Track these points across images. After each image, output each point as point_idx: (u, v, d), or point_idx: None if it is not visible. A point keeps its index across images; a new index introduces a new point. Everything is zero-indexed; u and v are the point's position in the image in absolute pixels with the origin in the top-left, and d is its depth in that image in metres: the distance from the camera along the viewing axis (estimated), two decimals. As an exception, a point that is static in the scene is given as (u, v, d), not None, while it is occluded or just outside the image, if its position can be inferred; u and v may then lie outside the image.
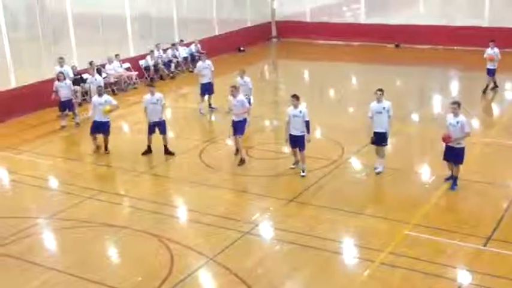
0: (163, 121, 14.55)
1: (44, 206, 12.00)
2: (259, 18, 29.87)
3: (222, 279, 9.18)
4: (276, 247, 10.14)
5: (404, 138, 15.36)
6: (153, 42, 23.20)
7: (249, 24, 29.25)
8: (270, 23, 30.68)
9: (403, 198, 11.68)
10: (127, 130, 17.26)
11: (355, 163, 13.68)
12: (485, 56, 18.99)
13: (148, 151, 14.52)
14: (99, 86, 15.36)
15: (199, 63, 18.09)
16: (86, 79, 18.74)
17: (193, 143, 15.34)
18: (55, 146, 15.76)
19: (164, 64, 22.75)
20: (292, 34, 29.87)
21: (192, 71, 23.73)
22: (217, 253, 9.75)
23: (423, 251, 9.62)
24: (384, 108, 12.34)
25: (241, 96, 13.80)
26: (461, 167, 11.86)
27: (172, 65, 23.02)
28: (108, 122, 14.67)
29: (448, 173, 12.11)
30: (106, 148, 14.79)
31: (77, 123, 17.15)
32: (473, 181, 12.31)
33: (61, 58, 18.00)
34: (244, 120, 13.77)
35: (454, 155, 11.70)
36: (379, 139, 12.55)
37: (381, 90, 12.41)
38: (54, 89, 16.81)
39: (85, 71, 19.34)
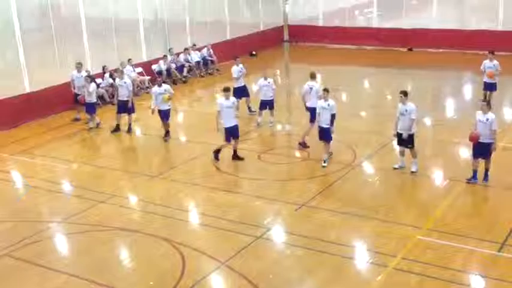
0: (169, 110, 15.84)
1: (57, 210, 12.06)
2: (271, 22, 29.88)
3: (234, 284, 9.16)
4: (288, 252, 10.11)
5: (418, 141, 15.23)
6: (166, 46, 23.29)
7: (261, 28, 29.27)
8: (282, 27, 30.68)
9: (415, 203, 11.61)
10: (140, 134, 17.30)
11: (368, 167, 13.61)
12: (482, 68, 17.36)
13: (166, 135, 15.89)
14: (157, 79, 16.60)
15: (234, 67, 17.97)
16: (100, 84, 18.83)
17: (206, 147, 15.34)
18: (69, 150, 15.84)
19: (177, 68, 22.82)
20: (305, 38, 29.85)
21: (203, 76, 23.83)
22: (230, 257, 9.74)
23: (436, 256, 9.54)
24: (406, 110, 12.57)
25: None
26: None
27: (185, 70, 23.08)
28: (169, 109, 15.89)
29: (470, 173, 12.22)
30: (166, 134, 15.95)
31: (90, 128, 17.27)
32: (487, 185, 12.19)
33: (79, 63, 18.06)
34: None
35: (485, 150, 12.00)
36: (402, 140, 12.74)
37: (403, 92, 12.64)
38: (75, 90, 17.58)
39: (98, 75, 19.44)
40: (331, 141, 13.65)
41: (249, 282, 9.05)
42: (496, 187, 12.12)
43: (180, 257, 9.87)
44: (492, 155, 12.22)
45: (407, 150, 12.94)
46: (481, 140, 11.95)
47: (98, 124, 17.41)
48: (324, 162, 13.47)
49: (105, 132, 17.25)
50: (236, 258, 9.75)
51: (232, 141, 14.07)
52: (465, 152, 14.29)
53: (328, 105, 13.23)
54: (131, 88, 17.05)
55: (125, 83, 16.80)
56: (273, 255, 10.05)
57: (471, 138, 12.06)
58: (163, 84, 16.07)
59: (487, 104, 12.35)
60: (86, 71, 18.98)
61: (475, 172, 12.19)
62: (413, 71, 23.66)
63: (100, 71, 20.03)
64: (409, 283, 8.92)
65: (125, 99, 16.71)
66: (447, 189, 12.23)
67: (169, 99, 15.80)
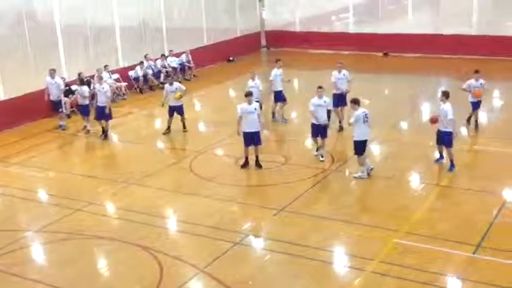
0: (182, 105, 16.70)
1: (33, 219, 11.91)
2: (248, 28, 29.94)
3: (213, 290, 9.13)
4: (268, 257, 10.11)
5: (395, 145, 15.41)
6: (142, 52, 23.18)
7: (238, 34, 29.31)
8: (259, 32, 30.76)
9: (393, 206, 11.69)
10: (117, 141, 17.17)
11: (345, 171, 13.67)
12: (465, 86, 16.08)
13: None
14: (168, 76, 18.35)
15: (275, 70, 17.57)
16: (75, 90, 18.68)
17: (183, 153, 15.31)
18: (45, 158, 15.66)
19: (154, 74, 22.73)
20: (282, 44, 29.95)
21: (180, 82, 23.71)
22: (208, 264, 9.70)
23: (414, 259, 9.62)
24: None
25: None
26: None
27: (162, 76, 22.99)
28: (182, 105, 16.69)
29: (446, 178, 12.82)
30: (184, 127, 16.83)
31: (88, 131, 17.39)
32: (463, 188, 12.35)
33: (52, 69, 17.93)
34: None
35: (443, 139, 13.08)
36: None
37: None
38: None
39: (74, 82, 19.30)
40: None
41: (228, 288, 9.04)
42: (470, 190, 12.27)
43: (158, 264, 9.81)
44: (452, 146, 12.98)
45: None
46: (440, 128, 13.08)
47: (85, 127, 17.44)
48: (322, 157, 14.04)
49: (82, 139, 17.13)
50: (215, 264, 9.72)
51: (253, 148, 13.74)
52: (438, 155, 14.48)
53: (324, 102, 13.85)
54: (109, 94, 17.03)
55: (103, 89, 16.74)
56: (252, 261, 10.04)
57: (431, 120, 13.38)
58: (174, 83, 16.94)
59: (475, 127, 13.28)
60: (62, 78, 18.83)
61: (440, 153, 13.41)
62: (389, 76, 23.89)
63: (75, 77, 19.84)
64: (387, 286, 8.98)
65: (103, 105, 16.64)
66: (424, 193, 12.36)
67: (181, 96, 16.56)
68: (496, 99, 20.27)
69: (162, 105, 16.97)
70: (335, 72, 16.66)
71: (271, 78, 17.48)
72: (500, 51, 24.47)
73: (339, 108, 16.45)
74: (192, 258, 9.94)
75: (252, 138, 13.66)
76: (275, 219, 11.37)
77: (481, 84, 15.76)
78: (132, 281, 9.37)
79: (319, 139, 14.19)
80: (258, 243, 10.62)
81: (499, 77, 22.04)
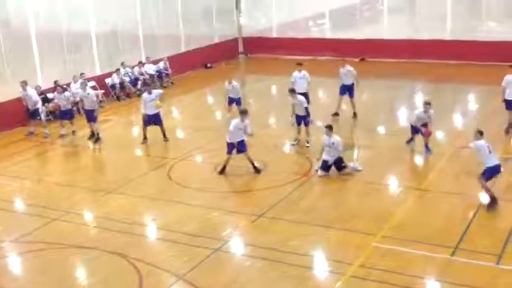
0: (158, 113, 16.50)
1: (9, 229, 11.71)
2: (226, 34, 29.96)
3: (193, 297, 9.09)
4: (248, 263, 10.08)
5: (373, 150, 15.53)
6: (119, 60, 23.05)
7: (216, 41, 29.31)
8: (237, 39, 30.79)
9: (372, 210, 11.76)
10: (93, 149, 17.01)
11: (324, 177, 13.70)
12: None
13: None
14: (146, 85, 18.90)
15: (296, 73, 17.83)
16: (52, 99, 18.53)
17: (161, 161, 15.23)
18: (21, 167, 15.43)
19: (131, 82, 22.60)
20: (260, 50, 30.03)
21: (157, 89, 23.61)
22: (188, 271, 9.65)
23: (393, 263, 9.69)
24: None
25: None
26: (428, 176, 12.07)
27: (139, 83, 22.86)
28: (158, 113, 16.46)
29: (423, 181, 13.11)
30: (164, 136, 16.58)
31: (46, 134, 17.66)
32: (441, 191, 12.47)
33: (23, 82, 17.74)
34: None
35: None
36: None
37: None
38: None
39: (50, 90, 19.12)
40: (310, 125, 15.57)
41: (208, 295, 8.99)
42: (447, 193, 12.41)
43: (137, 272, 9.72)
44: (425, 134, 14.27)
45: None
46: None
47: (73, 132, 17.83)
48: (307, 142, 15.49)
49: (59, 147, 16.97)
50: (195, 271, 9.67)
51: (242, 155, 14.03)
52: (419, 160, 14.63)
53: (299, 100, 15.40)
54: (95, 98, 17.51)
55: (89, 94, 17.17)
56: (232, 267, 10.02)
57: (425, 133, 14.27)
58: (152, 91, 16.69)
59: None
60: (37, 87, 18.63)
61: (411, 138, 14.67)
62: (366, 81, 24.03)
63: (51, 85, 19.64)
64: (367, 290, 9.04)
65: (91, 108, 17.01)
66: (402, 196, 12.47)
67: (161, 101, 16.67)
68: (471, 103, 20.56)
69: (144, 117, 16.47)
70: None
71: (292, 80, 17.66)
72: (475, 56, 24.83)
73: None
74: (171, 266, 9.88)
75: (234, 147, 13.88)
76: (254, 225, 11.36)
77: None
78: (111, 290, 9.28)
79: (302, 127, 15.58)
80: (237, 250, 10.60)
81: (473, 82, 22.36)
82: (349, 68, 18.27)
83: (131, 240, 10.94)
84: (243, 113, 14.18)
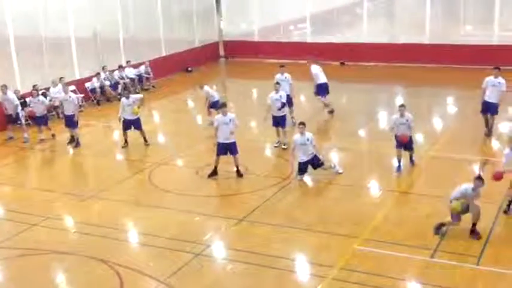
0: (138, 118, 16.30)
1: (-13, 235, 11.58)
2: (206, 38, 29.94)
3: (174, 302, 9.06)
4: (229, 267, 10.09)
5: (352, 154, 15.63)
6: (99, 63, 22.91)
7: (196, 45, 29.28)
8: (217, 42, 30.79)
9: (352, 213, 11.83)
10: (74, 154, 16.88)
11: (305, 180, 13.75)
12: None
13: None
14: (125, 90, 18.55)
15: (278, 75, 17.77)
16: (30, 103, 18.35)
17: (142, 165, 15.16)
18: (-1, 173, 15.29)
19: (111, 86, 22.46)
20: (240, 54, 30.06)
21: (138, 93, 23.49)
22: (169, 276, 9.62)
23: (373, 265, 9.76)
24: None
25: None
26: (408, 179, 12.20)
27: (120, 87, 22.73)
28: (138, 118, 16.34)
29: (404, 184, 13.22)
30: (145, 140, 16.50)
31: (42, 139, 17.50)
32: (420, 194, 12.59)
33: (3, 85, 17.58)
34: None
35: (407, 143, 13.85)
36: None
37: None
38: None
39: (29, 94, 18.93)
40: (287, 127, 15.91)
41: (189, 300, 8.97)
42: (426, 195, 12.52)
43: (118, 278, 9.67)
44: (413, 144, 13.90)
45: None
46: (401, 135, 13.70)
47: (53, 135, 17.68)
48: (284, 145, 15.64)
49: (38, 152, 16.81)
50: (176, 276, 9.65)
51: (232, 158, 13.92)
52: (397, 163, 14.73)
53: (280, 96, 15.63)
54: (76, 103, 17.41)
55: (70, 97, 17.00)
56: (213, 271, 10.00)
57: (401, 139, 13.74)
58: (131, 96, 16.61)
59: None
60: (16, 91, 18.45)
61: (399, 161, 13.86)
62: (346, 85, 24.20)
63: (30, 90, 19.44)
64: (348, 293, 9.09)
65: (71, 113, 16.80)
66: (381, 200, 12.57)
67: (139, 107, 16.45)
68: (450, 106, 20.80)
69: (120, 119, 16.48)
70: (278, 75, 17.66)
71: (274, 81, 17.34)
72: (453, 60, 25.13)
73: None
74: (152, 271, 9.84)
75: (225, 149, 13.78)
76: (236, 229, 11.37)
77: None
78: (91, 296, 9.21)
79: (280, 130, 15.79)
80: (219, 254, 10.59)
81: (452, 85, 22.62)
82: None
83: (112, 245, 10.88)
84: (222, 106, 14.16)
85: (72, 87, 21.18)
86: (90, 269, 10.09)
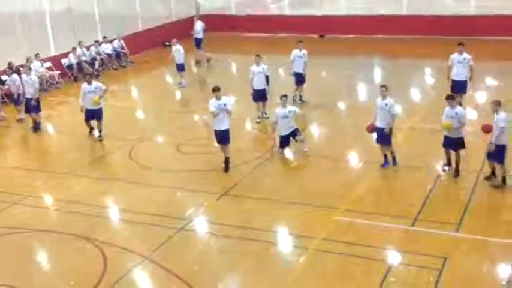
0: (101, 109, 14.98)
1: (-34, 215, 11.46)
2: (184, 12, 29.58)
3: (159, 277, 9.10)
4: (212, 241, 10.14)
5: (332, 127, 15.70)
6: (75, 39, 22.53)
7: (173, 19, 28.92)
8: (194, 17, 30.42)
9: (333, 186, 11.93)
10: (53, 132, 16.71)
11: (286, 153, 13.80)
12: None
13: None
14: (87, 75, 16.06)
15: (296, 51, 17.12)
16: (5, 80, 18.03)
17: (122, 142, 15.05)
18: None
19: (88, 62, 22.14)
20: (218, 28, 29.78)
21: (116, 69, 23.25)
22: (153, 251, 9.65)
23: (355, 236, 9.88)
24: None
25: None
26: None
27: (97, 63, 22.44)
28: (101, 108, 14.94)
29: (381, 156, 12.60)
30: (100, 135, 15.02)
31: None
32: (400, 164, 12.70)
33: None
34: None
35: (382, 137, 12.39)
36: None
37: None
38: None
39: (3, 72, 18.61)
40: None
41: (174, 275, 9.01)
42: (407, 166, 12.62)
43: (101, 254, 9.66)
44: (392, 140, 12.46)
45: None
46: (379, 126, 12.29)
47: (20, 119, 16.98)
48: (262, 116, 15.81)
49: (16, 130, 16.59)
50: (160, 251, 9.68)
51: (223, 147, 12.82)
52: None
53: (263, 68, 15.72)
54: (37, 86, 16.34)
55: (31, 79, 16.08)
56: (197, 246, 10.05)
57: (368, 129, 12.58)
58: (93, 82, 14.95)
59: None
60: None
61: (385, 156, 12.54)
62: (325, 57, 24.19)
63: (5, 67, 19.12)
64: (330, 262, 9.20)
65: (29, 96, 15.99)
66: (362, 172, 12.67)
67: (101, 97, 14.89)
68: (429, 77, 20.92)
69: (81, 110, 14.98)
70: (296, 51, 17.16)
71: (291, 58, 17.20)
72: (431, 31, 25.23)
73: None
74: (136, 247, 9.85)
75: (220, 136, 12.73)
76: (218, 204, 11.40)
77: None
78: (75, 273, 9.19)
79: (261, 104, 15.82)
80: (202, 228, 10.63)
81: (430, 57, 22.70)
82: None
83: (95, 222, 10.85)
84: (215, 90, 12.58)
85: (48, 64, 20.93)
86: (73, 247, 10.07)
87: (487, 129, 11.41)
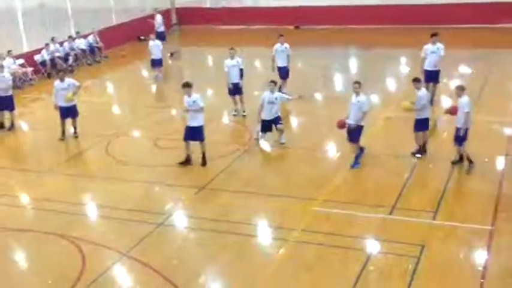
0: (75, 106, 14.67)
1: None
2: (158, 5, 29.30)
3: (138, 273, 9.03)
4: (191, 236, 10.11)
5: (309, 117, 15.73)
6: (48, 35, 22.20)
7: (148, 13, 28.64)
8: (169, 10, 30.23)
9: (311, 177, 11.95)
10: (26, 129, 16.47)
11: (263, 146, 13.78)
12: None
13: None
14: (60, 71, 15.68)
15: (278, 45, 17.02)
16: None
17: (98, 138, 14.90)
18: None
19: (62, 58, 21.84)
20: (193, 21, 29.64)
21: (91, 64, 22.99)
22: (131, 248, 9.56)
23: (334, 226, 9.93)
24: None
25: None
26: (364, 141, 12.42)
27: (71, 58, 22.16)
28: (75, 105, 14.67)
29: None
30: (75, 131, 14.81)
31: None
32: (376, 154, 12.78)
33: None
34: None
35: (349, 134, 12.26)
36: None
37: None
38: None
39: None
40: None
41: (153, 270, 8.95)
42: (383, 155, 12.73)
43: (79, 252, 9.55)
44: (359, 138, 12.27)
45: None
46: (349, 122, 12.15)
47: None
48: (238, 111, 15.74)
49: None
50: (139, 247, 9.60)
51: (195, 144, 12.69)
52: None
53: (237, 62, 15.52)
54: (11, 83, 15.99)
55: (4, 76, 15.70)
56: (176, 241, 10.00)
57: (338, 125, 12.40)
58: (65, 79, 14.57)
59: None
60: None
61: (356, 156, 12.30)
62: (301, 49, 24.21)
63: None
64: (310, 253, 9.22)
65: (3, 95, 15.61)
66: (339, 162, 12.71)
67: (74, 94, 14.52)
68: (403, 66, 21.07)
69: (56, 107, 14.67)
70: (277, 45, 17.06)
71: (273, 53, 17.09)
72: (406, 20, 25.41)
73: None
74: (114, 243, 9.76)
75: (190, 133, 12.57)
76: (197, 198, 11.36)
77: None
78: (53, 272, 9.08)
79: (237, 97, 15.64)
80: (181, 223, 10.59)
81: (405, 46, 22.86)
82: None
83: (71, 219, 10.72)
84: (185, 86, 12.58)
85: (21, 61, 20.61)
86: (50, 245, 9.95)
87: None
